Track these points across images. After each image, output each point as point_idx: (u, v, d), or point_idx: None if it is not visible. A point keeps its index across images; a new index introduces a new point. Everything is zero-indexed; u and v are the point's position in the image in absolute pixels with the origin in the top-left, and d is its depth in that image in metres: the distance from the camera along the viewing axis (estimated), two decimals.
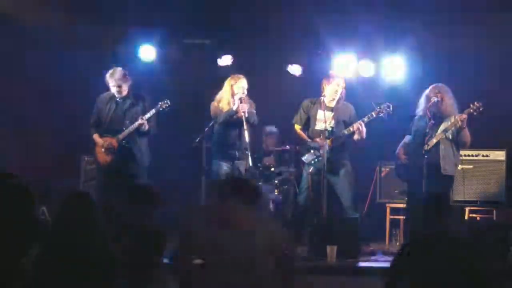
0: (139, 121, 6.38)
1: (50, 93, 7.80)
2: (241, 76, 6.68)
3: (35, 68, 7.68)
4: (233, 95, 6.61)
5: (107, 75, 6.51)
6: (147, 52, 7.81)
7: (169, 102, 6.53)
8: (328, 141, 6.49)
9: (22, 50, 7.60)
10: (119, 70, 6.53)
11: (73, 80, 7.75)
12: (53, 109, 7.84)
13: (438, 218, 3.81)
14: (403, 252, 3.23)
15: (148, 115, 6.45)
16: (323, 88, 6.68)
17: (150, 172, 6.58)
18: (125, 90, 6.48)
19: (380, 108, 6.53)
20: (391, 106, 6.53)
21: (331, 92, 6.61)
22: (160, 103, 6.53)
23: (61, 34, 7.54)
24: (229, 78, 6.68)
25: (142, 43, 7.79)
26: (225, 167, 6.60)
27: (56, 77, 7.73)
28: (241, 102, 6.46)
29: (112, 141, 6.43)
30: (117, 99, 6.51)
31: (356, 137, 6.58)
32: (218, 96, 6.67)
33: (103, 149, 6.45)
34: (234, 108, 6.50)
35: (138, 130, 6.43)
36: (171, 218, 7.35)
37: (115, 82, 6.44)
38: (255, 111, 6.65)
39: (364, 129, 6.55)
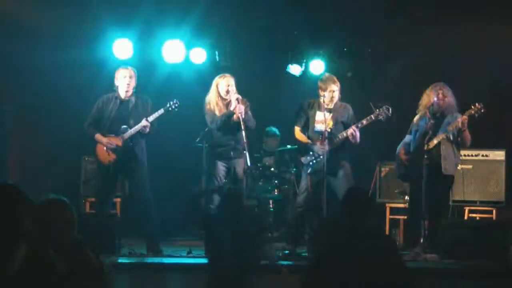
0: (143, 123, 6.36)
1: (50, 93, 7.81)
2: (226, 75, 6.64)
3: (34, 67, 7.69)
4: (220, 96, 6.58)
5: (120, 68, 6.49)
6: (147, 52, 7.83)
7: (178, 102, 6.50)
8: (326, 143, 6.45)
9: (21, 50, 7.61)
10: (130, 66, 6.55)
11: (73, 79, 7.75)
12: (53, 109, 7.85)
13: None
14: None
15: (155, 115, 6.42)
16: (322, 90, 6.66)
17: (150, 172, 6.57)
18: (132, 87, 6.47)
19: (379, 111, 6.49)
20: (390, 108, 6.49)
21: (327, 97, 6.59)
22: (169, 102, 6.49)
23: (60, 32, 7.55)
24: (215, 79, 6.67)
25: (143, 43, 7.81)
26: (220, 166, 6.59)
27: (56, 76, 7.74)
28: (238, 103, 6.43)
29: (116, 140, 6.41)
30: (122, 99, 6.49)
31: (351, 141, 6.56)
32: (207, 99, 6.65)
33: (105, 148, 6.42)
34: (232, 108, 6.48)
35: (139, 131, 6.41)
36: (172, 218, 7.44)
37: (127, 73, 6.42)
38: (250, 113, 6.61)
39: (358, 134, 6.52)
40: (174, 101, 6.49)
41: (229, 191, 5.15)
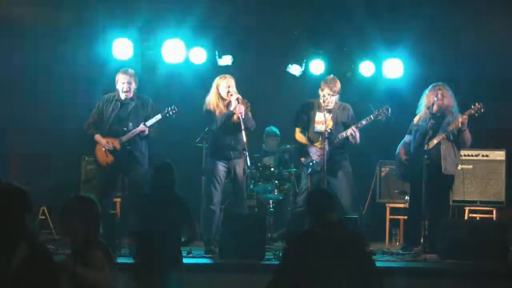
0: (141, 127, 6.38)
1: (50, 93, 7.80)
2: (226, 76, 6.63)
3: (34, 67, 7.68)
4: (220, 97, 6.57)
5: (120, 72, 6.49)
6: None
7: (177, 109, 6.50)
8: (326, 143, 6.45)
9: (20, 50, 7.60)
10: (131, 69, 6.55)
11: (73, 80, 7.75)
12: (53, 109, 7.84)
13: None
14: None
15: (153, 120, 6.43)
16: (321, 91, 6.66)
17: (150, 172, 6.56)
18: (132, 90, 6.47)
19: (378, 111, 6.50)
20: (389, 109, 6.50)
21: (327, 99, 6.59)
22: (167, 108, 6.50)
23: (60, 32, 7.54)
24: (215, 79, 6.66)
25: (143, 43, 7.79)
26: (220, 166, 6.58)
27: (56, 76, 7.73)
28: (238, 103, 6.42)
29: (115, 142, 6.41)
30: (122, 100, 6.49)
31: (351, 141, 6.56)
32: (207, 99, 6.64)
33: (104, 149, 6.43)
34: (231, 108, 6.48)
35: (138, 134, 6.42)
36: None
37: (127, 78, 6.42)
38: (250, 114, 6.60)
39: (357, 134, 6.53)
40: (173, 107, 6.50)
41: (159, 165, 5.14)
